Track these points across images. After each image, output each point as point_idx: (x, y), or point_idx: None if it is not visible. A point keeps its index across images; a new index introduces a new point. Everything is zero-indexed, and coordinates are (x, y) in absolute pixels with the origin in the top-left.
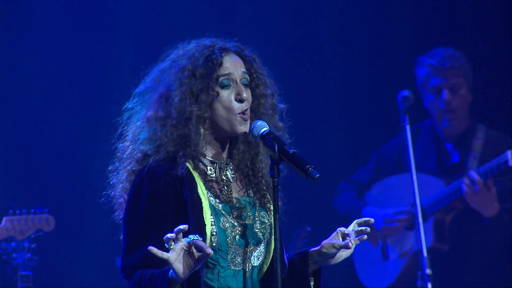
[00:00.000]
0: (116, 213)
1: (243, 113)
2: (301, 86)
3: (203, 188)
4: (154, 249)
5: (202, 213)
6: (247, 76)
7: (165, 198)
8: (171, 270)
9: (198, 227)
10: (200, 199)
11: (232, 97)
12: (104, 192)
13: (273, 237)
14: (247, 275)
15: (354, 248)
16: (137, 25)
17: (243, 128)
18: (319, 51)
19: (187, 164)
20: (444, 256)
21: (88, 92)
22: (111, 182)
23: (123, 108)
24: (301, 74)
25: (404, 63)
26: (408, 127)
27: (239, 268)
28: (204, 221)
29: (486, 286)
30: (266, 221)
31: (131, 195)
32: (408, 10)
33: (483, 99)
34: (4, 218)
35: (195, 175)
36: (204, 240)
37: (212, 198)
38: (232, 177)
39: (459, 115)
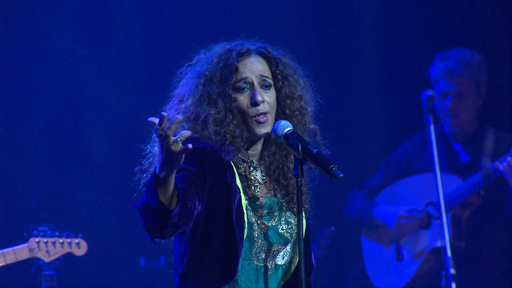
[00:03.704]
0: None
1: (259, 115)
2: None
3: (239, 180)
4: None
5: (241, 202)
6: (268, 78)
7: (207, 164)
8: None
9: (239, 214)
10: (239, 189)
11: (247, 100)
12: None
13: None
14: (269, 272)
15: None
16: (159, 31)
17: (262, 130)
18: (323, 54)
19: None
20: (460, 254)
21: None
22: (140, 181)
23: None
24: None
25: (417, 70)
26: (432, 127)
27: (262, 264)
28: (243, 210)
29: (502, 283)
30: (293, 221)
31: None
32: (425, 12)
33: (493, 103)
34: (31, 239)
35: (233, 166)
36: (243, 227)
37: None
38: (263, 179)
39: (462, 121)
